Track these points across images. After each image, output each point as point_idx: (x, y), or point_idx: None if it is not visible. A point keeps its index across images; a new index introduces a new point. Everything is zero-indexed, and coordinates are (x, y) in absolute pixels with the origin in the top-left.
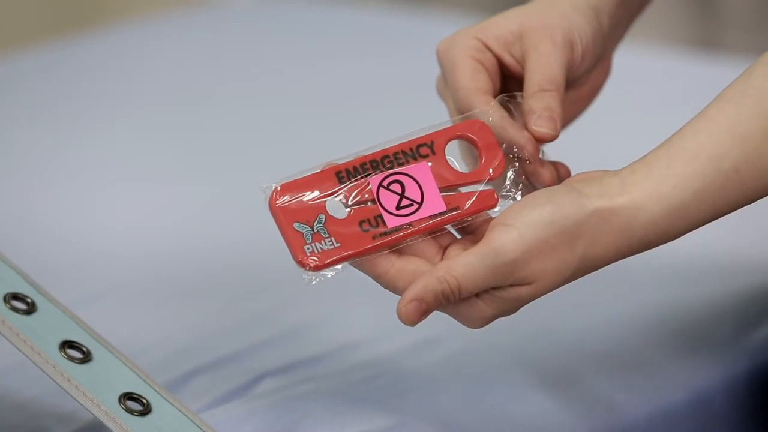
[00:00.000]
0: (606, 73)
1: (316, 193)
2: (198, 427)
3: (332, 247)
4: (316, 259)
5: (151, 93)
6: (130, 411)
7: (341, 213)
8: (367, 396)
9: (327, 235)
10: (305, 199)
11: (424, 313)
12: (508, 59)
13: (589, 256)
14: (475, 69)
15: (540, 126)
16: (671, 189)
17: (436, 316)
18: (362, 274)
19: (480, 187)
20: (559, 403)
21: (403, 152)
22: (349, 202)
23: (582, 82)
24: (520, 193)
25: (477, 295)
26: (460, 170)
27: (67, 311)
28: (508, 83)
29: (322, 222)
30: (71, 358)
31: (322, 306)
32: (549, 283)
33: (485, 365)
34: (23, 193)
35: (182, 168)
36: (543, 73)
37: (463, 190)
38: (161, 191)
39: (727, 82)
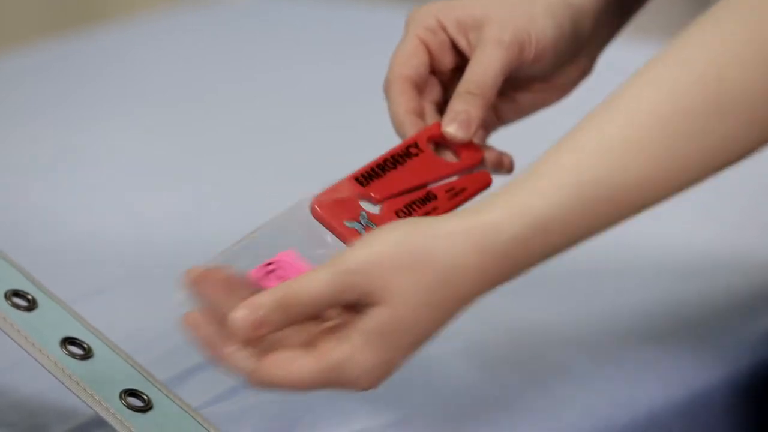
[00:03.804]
0: (583, 71)
1: (348, 196)
2: (199, 423)
3: None
4: None
5: (153, 90)
6: (131, 407)
7: (374, 209)
8: (370, 392)
9: (374, 227)
10: (341, 203)
11: (258, 325)
12: (463, 44)
13: (452, 280)
14: (412, 52)
15: (451, 128)
16: (535, 204)
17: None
18: None
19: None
20: (561, 399)
21: (399, 154)
22: (376, 197)
23: (550, 77)
24: None
25: (345, 339)
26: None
27: (68, 308)
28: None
29: (366, 217)
30: (72, 355)
31: None
32: (410, 306)
33: (487, 361)
34: (23, 190)
35: (184, 164)
36: (475, 75)
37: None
38: (163, 187)
39: None
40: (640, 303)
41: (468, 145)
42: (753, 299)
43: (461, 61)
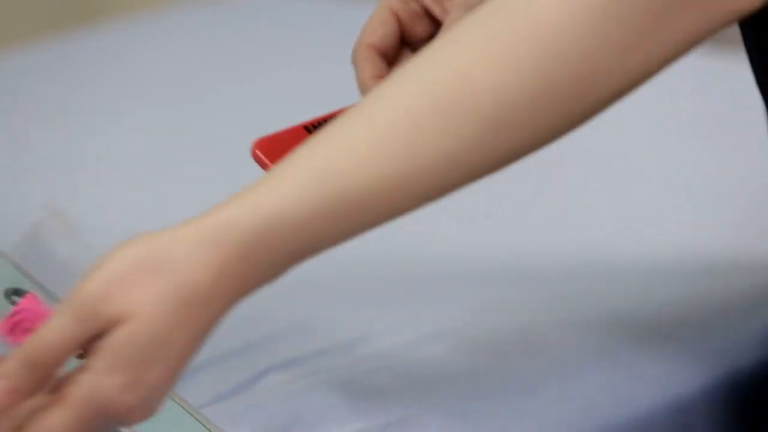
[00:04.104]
0: None
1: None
2: (200, 423)
3: None
4: None
5: (153, 89)
6: None
7: None
8: (371, 390)
9: None
10: (283, 147)
11: (12, 393)
12: (437, 11)
13: (189, 282)
14: (380, 21)
15: None
16: (268, 200)
17: (437, 306)
18: (369, 269)
19: None
20: (559, 398)
21: None
22: None
23: None
24: None
25: (87, 370)
26: None
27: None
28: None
29: None
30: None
31: (326, 300)
32: (153, 317)
33: (486, 359)
34: (28, 188)
35: (188, 162)
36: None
37: None
38: (166, 185)
39: (732, 75)
40: (638, 303)
41: None
42: (753, 299)
43: (436, 29)
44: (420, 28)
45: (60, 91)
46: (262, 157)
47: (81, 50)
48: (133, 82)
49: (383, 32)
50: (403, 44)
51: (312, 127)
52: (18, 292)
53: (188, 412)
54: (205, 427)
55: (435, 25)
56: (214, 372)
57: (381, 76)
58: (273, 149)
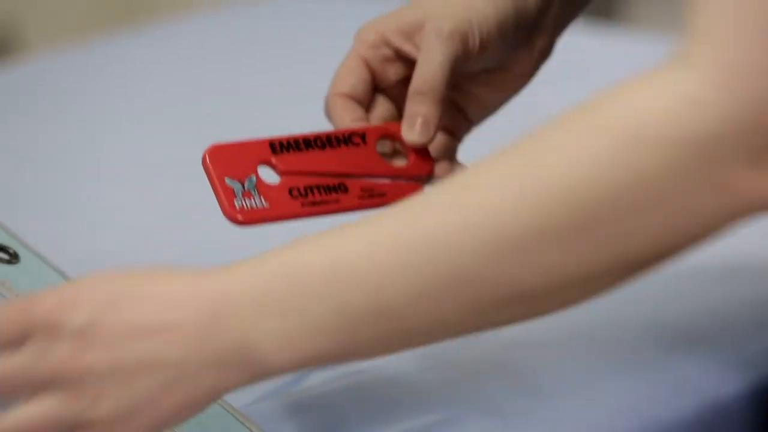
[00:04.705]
0: (542, 54)
1: (250, 157)
2: (240, 422)
3: (261, 206)
4: (244, 215)
5: (162, 94)
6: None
7: (272, 180)
8: (414, 389)
9: (257, 195)
10: (239, 159)
11: None
12: (409, 50)
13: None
14: (349, 70)
15: (410, 134)
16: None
17: None
18: None
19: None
20: (581, 403)
21: (336, 137)
22: (279, 167)
23: (506, 65)
24: None
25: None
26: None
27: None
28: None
29: (254, 182)
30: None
31: None
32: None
33: (526, 361)
34: (42, 190)
35: (190, 166)
36: (422, 72)
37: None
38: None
39: None
40: (679, 307)
41: (421, 153)
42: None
43: (411, 70)
44: (392, 71)
45: (68, 99)
46: (210, 167)
47: (88, 58)
48: (141, 89)
49: (354, 81)
50: (376, 90)
51: (279, 145)
52: (2, 249)
53: (228, 411)
54: (247, 426)
55: (407, 66)
56: None
57: (362, 118)
58: (225, 159)
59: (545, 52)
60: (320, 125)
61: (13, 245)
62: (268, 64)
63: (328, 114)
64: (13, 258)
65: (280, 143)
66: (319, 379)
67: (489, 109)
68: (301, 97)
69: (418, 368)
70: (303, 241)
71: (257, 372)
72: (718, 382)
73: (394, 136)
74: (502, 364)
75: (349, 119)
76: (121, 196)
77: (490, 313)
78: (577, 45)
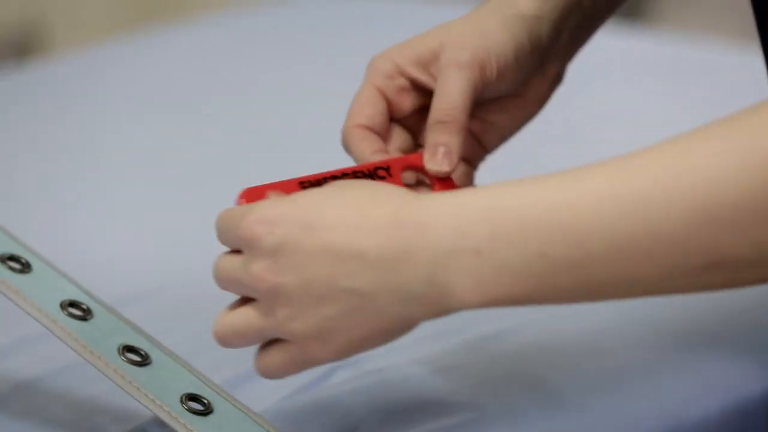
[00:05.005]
0: (554, 80)
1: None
2: (260, 426)
3: None
4: None
5: (170, 99)
6: (192, 411)
7: None
8: (441, 388)
9: None
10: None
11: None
12: (425, 79)
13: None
14: (366, 101)
15: (433, 164)
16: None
17: (503, 310)
18: None
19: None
20: (608, 401)
21: (362, 172)
22: None
23: (521, 92)
24: None
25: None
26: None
27: (122, 317)
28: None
29: None
30: (131, 362)
31: None
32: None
33: (556, 360)
34: (66, 187)
35: (218, 168)
36: (443, 101)
37: None
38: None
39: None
40: (684, 307)
41: (445, 182)
42: None
43: (427, 99)
44: (407, 102)
45: (64, 106)
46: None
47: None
48: (147, 93)
49: (371, 112)
50: (391, 120)
51: (308, 183)
52: (73, 304)
53: (248, 415)
54: (266, 429)
55: (423, 96)
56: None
57: (382, 150)
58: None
59: (558, 78)
60: (322, 127)
61: (86, 301)
62: (297, 62)
63: (346, 145)
64: (26, 267)
65: (310, 181)
66: (344, 376)
67: (503, 136)
68: (304, 97)
69: (442, 367)
70: (504, 185)
71: (443, 309)
72: (743, 382)
73: (417, 167)
74: (530, 364)
75: (369, 152)
76: (145, 192)
77: (686, 278)
78: (604, 46)
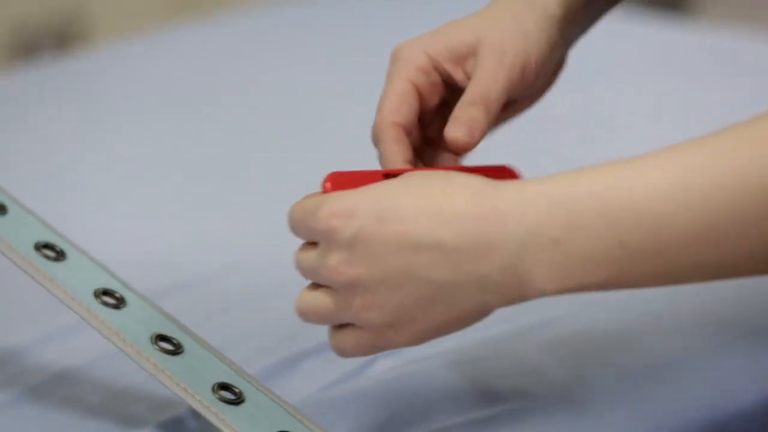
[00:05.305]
0: (557, 68)
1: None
2: (291, 414)
3: None
4: None
5: (168, 102)
6: (223, 400)
7: None
8: (479, 379)
9: None
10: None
11: None
12: (459, 76)
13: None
14: (403, 97)
15: (453, 131)
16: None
17: (548, 300)
18: None
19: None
20: (650, 392)
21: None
22: None
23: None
24: None
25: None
26: None
27: (155, 306)
28: (452, 99)
29: None
30: (164, 350)
31: None
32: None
33: (591, 352)
34: (67, 193)
35: (228, 165)
36: (480, 87)
37: None
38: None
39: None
40: (744, 301)
41: (506, 172)
42: None
43: (450, 95)
44: (435, 99)
45: (64, 108)
46: (331, 191)
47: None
48: (147, 96)
49: (407, 110)
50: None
51: (393, 176)
52: (107, 292)
53: (279, 404)
54: (297, 418)
55: (448, 93)
56: (321, 360)
57: (410, 160)
58: (344, 186)
59: (561, 66)
60: (324, 126)
61: (119, 288)
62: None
63: (378, 141)
64: (60, 255)
65: (395, 174)
66: (384, 366)
67: (505, 120)
68: (309, 97)
69: (481, 356)
70: (576, 173)
71: (520, 297)
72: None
73: (501, 177)
74: (565, 357)
75: (400, 160)
76: (166, 188)
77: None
78: (650, 37)
